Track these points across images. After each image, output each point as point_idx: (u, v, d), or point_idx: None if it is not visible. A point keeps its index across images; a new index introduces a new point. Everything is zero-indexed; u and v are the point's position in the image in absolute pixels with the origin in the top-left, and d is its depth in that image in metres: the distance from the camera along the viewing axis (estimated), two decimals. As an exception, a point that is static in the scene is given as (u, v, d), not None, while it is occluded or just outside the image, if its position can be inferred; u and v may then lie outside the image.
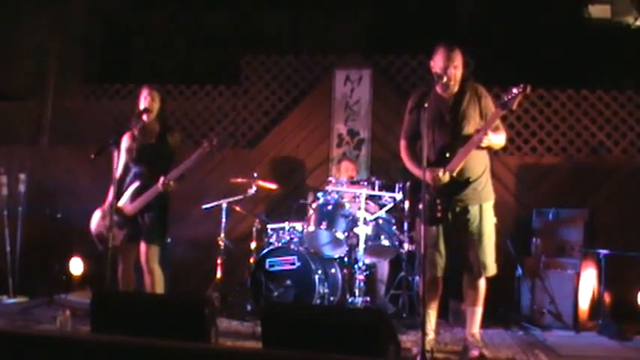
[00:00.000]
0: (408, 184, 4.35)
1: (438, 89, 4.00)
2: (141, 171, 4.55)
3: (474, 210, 3.94)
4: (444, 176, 3.84)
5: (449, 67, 3.89)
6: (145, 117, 4.53)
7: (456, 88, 3.98)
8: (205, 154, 4.50)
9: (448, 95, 3.99)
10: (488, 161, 4.05)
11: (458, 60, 3.92)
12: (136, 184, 4.52)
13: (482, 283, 3.99)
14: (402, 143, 4.18)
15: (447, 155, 3.89)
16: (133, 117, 4.62)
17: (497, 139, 3.91)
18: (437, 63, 3.94)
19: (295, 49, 7.25)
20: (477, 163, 3.94)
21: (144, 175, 4.52)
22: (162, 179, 4.39)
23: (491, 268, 3.98)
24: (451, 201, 3.93)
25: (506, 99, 3.70)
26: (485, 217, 3.96)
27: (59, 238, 6.07)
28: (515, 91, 3.67)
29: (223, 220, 5.55)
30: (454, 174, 3.86)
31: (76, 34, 7.66)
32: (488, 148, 3.96)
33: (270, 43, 8.08)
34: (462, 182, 3.89)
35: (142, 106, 4.53)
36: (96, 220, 4.59)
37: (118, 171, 4.50)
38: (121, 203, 4.47)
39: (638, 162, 6.16)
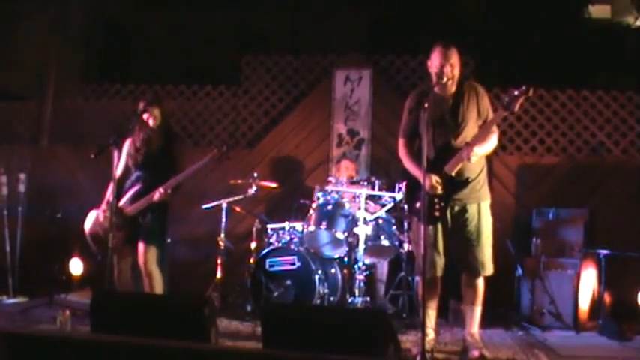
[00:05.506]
0: (404, 183, 4.35)
1: (437, 89, 4.00)
2: (143, 176, 4.55)
3: (472, 209, 3.95)
4: (438, 186, 3.85)
5: (445, 66, 3.88)
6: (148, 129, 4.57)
7: (454, 88, 3.98)
8: (212, 163, 4.51)
9: (447, 95, 3.99)
10: (485, 160, 4.06)
11: (455, 58, 3.92)
12: (137, 187, 4.53)
13: (480, 283, 4.00)
14: (401, 142, 4.17)
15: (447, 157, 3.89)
16: (134, 124, 4.59)
17: (487, 148, 3.91)
18: (434, 62, 3.94)
19: (295, 49, 7.24)
20: (476, 163, 3.94)
21: (146, 180, 4.52)
22: (159, 191, 4.38)
23: (489, 267, 3.99)
24: (450, 200, 3.93)
25: (507, 100, 3.65)
26: (484, 216, 3.98)
27: (59, 238, 6.07)
28: (516, 92, 3.62)
29: (223, 220, 5.55)
30: (452, 174, 3.86)
31: (76, 34, 7.65)
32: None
33: (270, 43, 8.08)
34: (461, 182, 3.90)
35: (144, 124, 4.54)
36: (91, 220, 4.58)
37: (118, 172, 4.50)
38: (121, 204, 4.47)
39: (638, 162, 6.16)
